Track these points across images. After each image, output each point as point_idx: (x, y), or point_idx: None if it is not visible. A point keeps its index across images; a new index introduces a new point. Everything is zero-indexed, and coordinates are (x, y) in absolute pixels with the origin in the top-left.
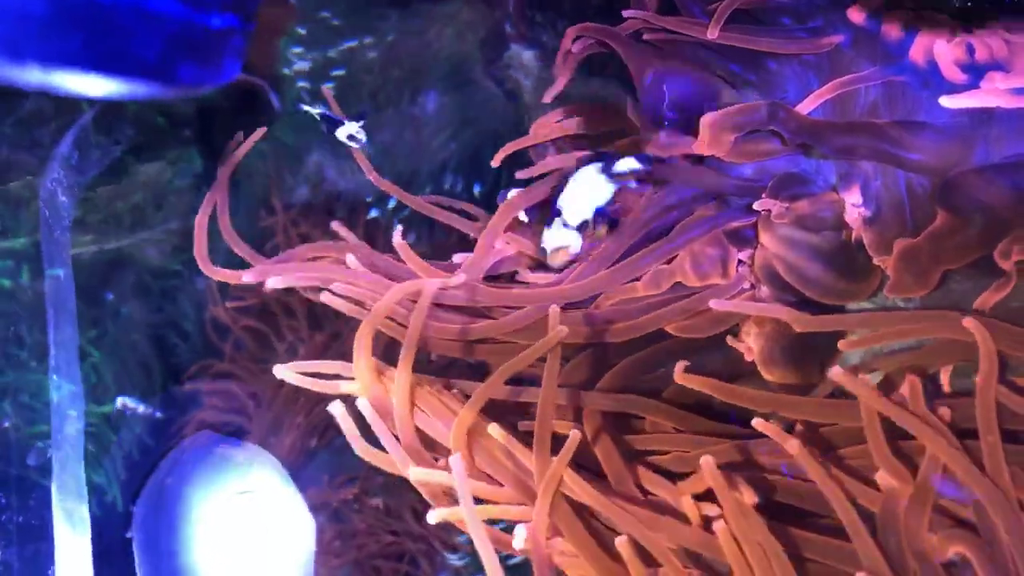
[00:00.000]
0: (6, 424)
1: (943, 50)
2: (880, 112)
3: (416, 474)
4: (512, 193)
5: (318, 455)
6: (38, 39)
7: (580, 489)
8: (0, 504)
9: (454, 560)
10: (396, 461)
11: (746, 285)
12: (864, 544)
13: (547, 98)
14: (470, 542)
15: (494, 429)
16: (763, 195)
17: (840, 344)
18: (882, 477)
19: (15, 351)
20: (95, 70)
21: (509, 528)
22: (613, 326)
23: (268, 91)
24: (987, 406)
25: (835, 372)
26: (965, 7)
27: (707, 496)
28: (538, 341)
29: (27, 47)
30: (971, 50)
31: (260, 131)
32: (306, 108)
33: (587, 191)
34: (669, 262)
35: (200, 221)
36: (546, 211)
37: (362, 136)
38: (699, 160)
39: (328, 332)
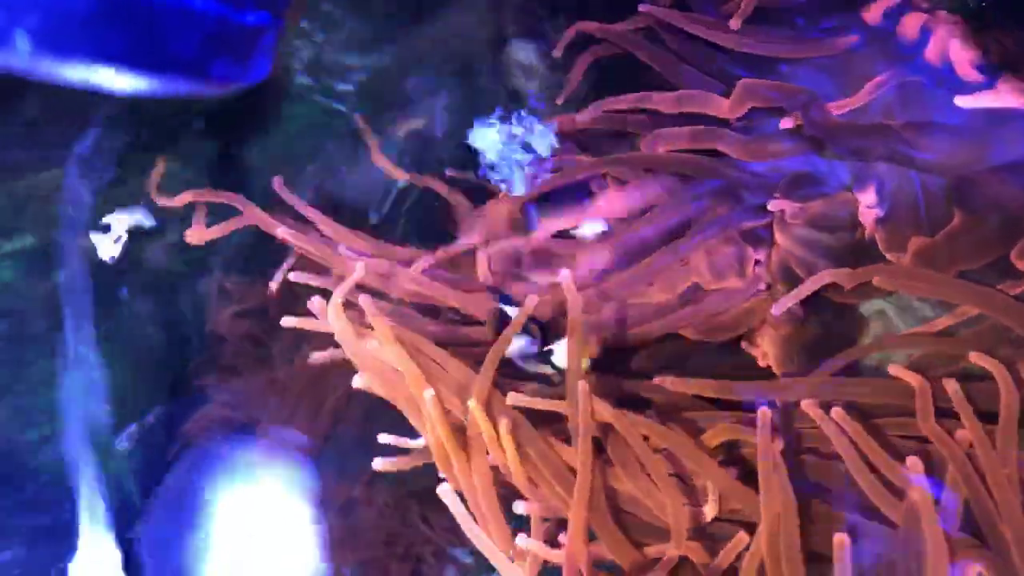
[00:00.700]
0: (19, 421)
1: (958, 50)
2: (894, 112)
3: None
4: None
5: (329, 451)
6: (80, 35)
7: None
8: (14, 504)
9: (462, 556)
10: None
11: (762, 286)
12: None
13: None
14: None
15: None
16: (777, 195)
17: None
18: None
19: (26, 349)
20: (134, 67)
21: None
22: (629, 331)
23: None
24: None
25: None
26: (980, 7)
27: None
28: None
29: (69, 43)
30: (986, 50)
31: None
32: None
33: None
34: (683, 263)
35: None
36: None
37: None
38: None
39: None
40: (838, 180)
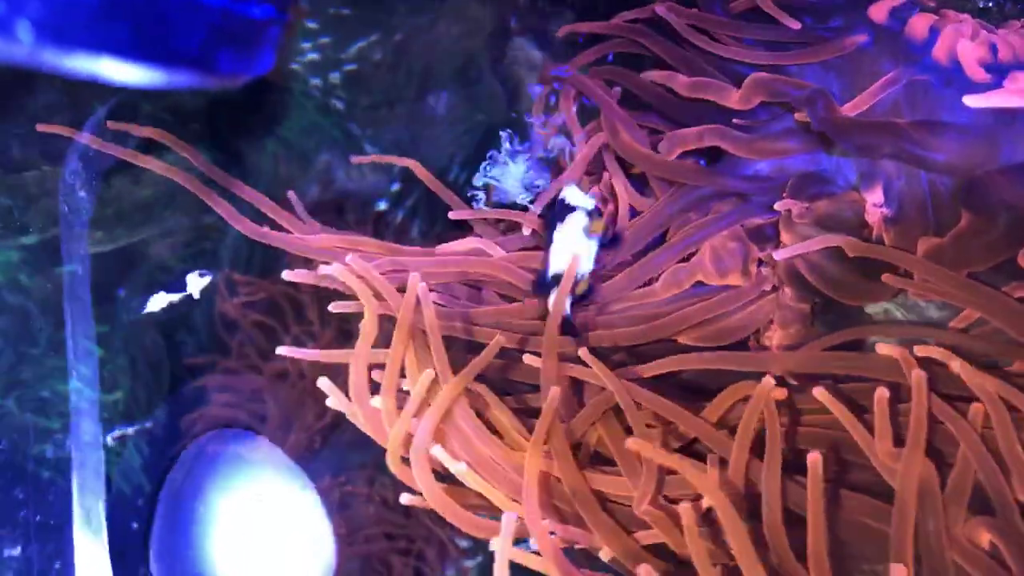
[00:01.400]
0: (22, 418)
1: (966, 49)
2: (902, 111)
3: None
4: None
5: (329, 449)
6: (86, 27)
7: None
8: (17, 499)
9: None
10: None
11: (768, 287)
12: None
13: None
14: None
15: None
16: (783, 194)
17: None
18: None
19: (29, 345)
20: (139, 59)
21: None
22: (629, 330)
23: None
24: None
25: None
26: (987, 7)
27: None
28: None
29: (75, 34)
30: (994, 50)
31: None
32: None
33: (573, 245)
34: (687, 259)
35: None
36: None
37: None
38: (714, 161)
39: (337, 327)
40: (845, 179)
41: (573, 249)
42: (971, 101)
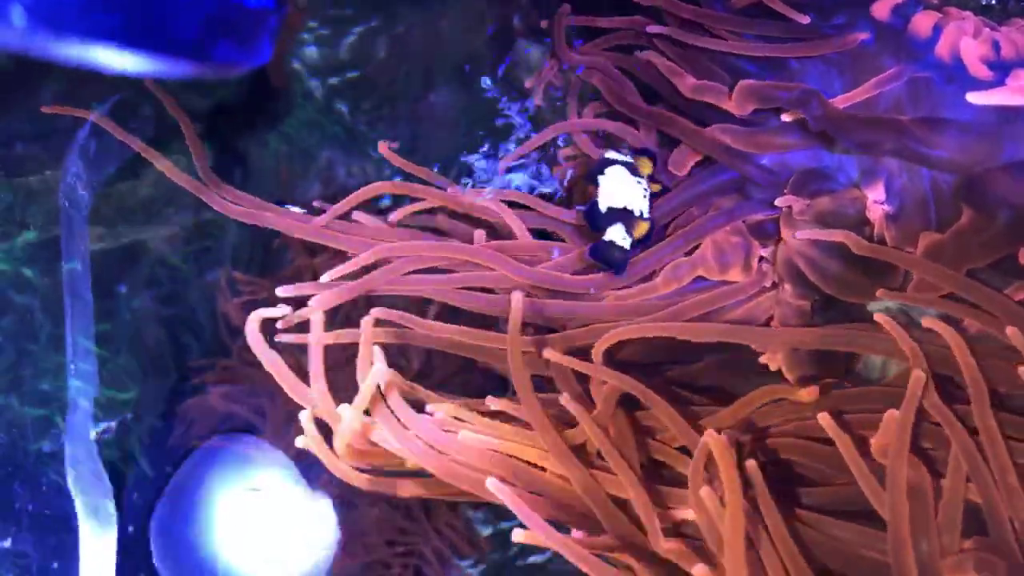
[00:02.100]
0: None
1: (969, 47)
2: (904, 108)
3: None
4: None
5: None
6: (79, 14)
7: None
8: (17, 494)
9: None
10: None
11: (768, 283)
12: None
13: None
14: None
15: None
16: (785, 191)
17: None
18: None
19: (29, 341)
20: (134, 47)
21: None
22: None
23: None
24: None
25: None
26: (990, 4)
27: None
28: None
29: (68, 22)
30: (997, 47)
31: None
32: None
33: (621, 189)
34: (688, 254)
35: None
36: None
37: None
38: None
39: (341, 324)
40: (846, 176)
41: (623, 188)
42: (974, 98)
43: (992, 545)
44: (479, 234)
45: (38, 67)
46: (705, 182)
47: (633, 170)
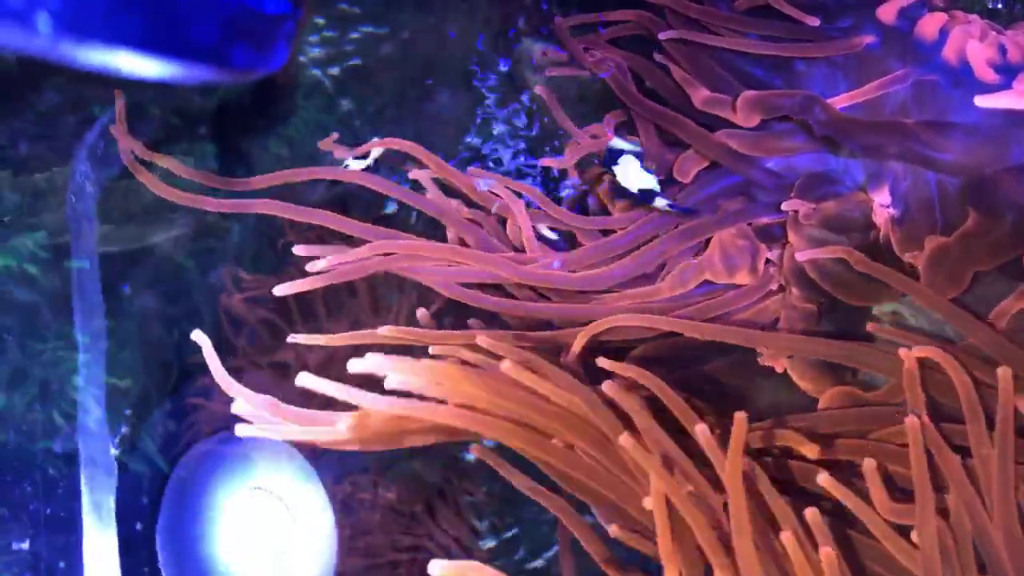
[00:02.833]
0: (30, 412)
1: (975, 50)
2: (910, 111)
3: None
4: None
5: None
6: (101, 19)
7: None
8: (26, 492)
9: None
10: None
11: (774, 287)
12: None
13: None
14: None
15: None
16: (791, 194)
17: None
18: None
19: (37, 340)
20: (154, 52)
21: None
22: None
23: None
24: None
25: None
26: (997, 8)
27: None
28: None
29: (90, 26)
30: (1003, 51)
31: None
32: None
33: (635, 175)
34: (695, 256)
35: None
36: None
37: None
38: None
39: (346, 322)
40: (852, 179)
41: (636, 175)
42: (982, 101)
43: None
44: (491, 222)
45: (43, 67)
46: (712, 186)
47: (641, 158)
